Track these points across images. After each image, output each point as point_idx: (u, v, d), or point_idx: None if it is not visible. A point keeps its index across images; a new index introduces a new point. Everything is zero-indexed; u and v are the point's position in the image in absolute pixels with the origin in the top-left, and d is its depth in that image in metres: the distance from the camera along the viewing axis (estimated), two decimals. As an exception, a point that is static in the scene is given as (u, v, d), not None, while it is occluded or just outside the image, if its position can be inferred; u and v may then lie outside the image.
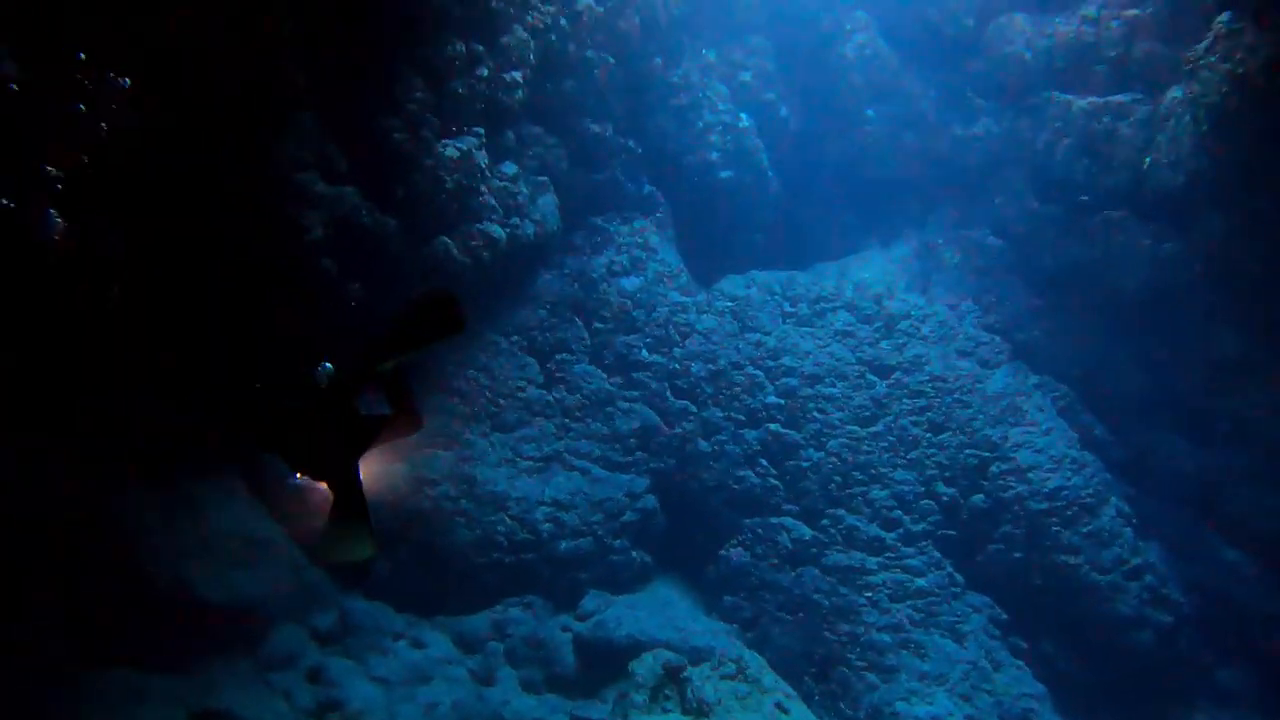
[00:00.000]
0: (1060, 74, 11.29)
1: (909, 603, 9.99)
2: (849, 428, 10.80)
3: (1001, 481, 10.37)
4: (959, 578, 10.22)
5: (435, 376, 10.42)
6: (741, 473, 10.76)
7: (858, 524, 10.38)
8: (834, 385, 11.02)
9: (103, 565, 7.85)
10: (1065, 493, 10.27)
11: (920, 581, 10.10)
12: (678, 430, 10.97)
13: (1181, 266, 10.23)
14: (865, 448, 10.69)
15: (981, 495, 10.39)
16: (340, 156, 7.96)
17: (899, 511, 10.42)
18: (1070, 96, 11.13)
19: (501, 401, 10.64)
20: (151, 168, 5.87)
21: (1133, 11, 10.61)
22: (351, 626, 9.27)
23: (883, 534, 10.32)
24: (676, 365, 11.21)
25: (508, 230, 9.68)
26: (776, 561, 10.39)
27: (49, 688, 7.25)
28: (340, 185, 8.03)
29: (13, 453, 6.93)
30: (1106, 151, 10.68)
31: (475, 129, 9.16)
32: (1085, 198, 10.94)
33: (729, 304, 11.67)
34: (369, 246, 8.34)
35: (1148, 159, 10.12)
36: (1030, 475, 10.35)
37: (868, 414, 10.88)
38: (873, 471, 10.59)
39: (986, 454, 10.51)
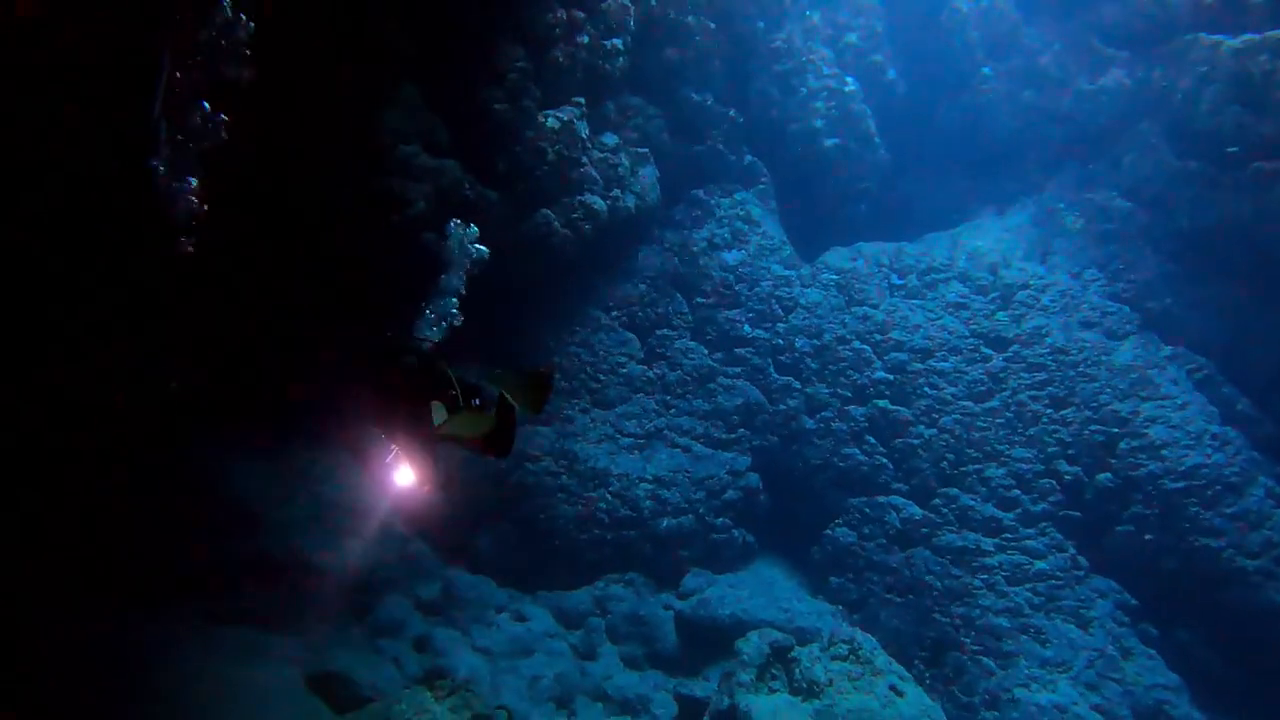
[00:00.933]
0: (1208, 11, 10.36)
1: (1028, 586, 9.47)
2: (962, 403, 10.29)
3: (1131, 459, 9.68)
4: (1083, 561, 9.62)
5: (536, 352, 10.41)
6: (848, 450, 10.42)
7: (972, 504, 9.90)
8: (946, 359, 10.52)
9: (227, 530, 8.14)
10: (1205, 471, 9.50)
11: (1040, 564, 9.57)
12: (781, 407, 10.72)
13: (1349, 222, 9.27)
14: (980, 424, 10.17)
15: (1109, 474, 9.73)
16: (442, 128, 7.96)
17: (1017, 491, 9.88)
18: (1220, 37, 10.17)
19: (602, 378, 10.57)
20: (254, 137, 5.91)
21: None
22: (455, 598, 9.37)
23: (1000, 514, 9.80)
24: (780, 340, 10.94)
25: (609, 202, 9.57)
26: (885, 542, 10.03)
27: (178, 639, 7.57)
28: (442, 158, 8.03)
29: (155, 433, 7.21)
30: (1262, 95, 9.71)
31: (576, 99, 9.05)
32: (1234, 149, 9.99)
33: (834, 277, 11.29)
34: (471, 220, 8.32)
35: (1314, 101, 9.15)
36: (1164, 452, 9.62)
37: (983, 389, 10.34)
38: (988, 449, 10.07)
39: (1114, 430, 9.83)
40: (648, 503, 10.03)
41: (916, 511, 10.04)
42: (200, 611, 8.06)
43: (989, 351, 10.52)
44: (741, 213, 11.48)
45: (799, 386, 10.75)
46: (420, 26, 7.20)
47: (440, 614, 9.28)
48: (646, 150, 10.52)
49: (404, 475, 5.07)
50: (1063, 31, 11.89)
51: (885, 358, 10.66)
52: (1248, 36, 9.94)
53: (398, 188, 7.63)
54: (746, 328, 10.98)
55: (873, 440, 10.42)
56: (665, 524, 10.01)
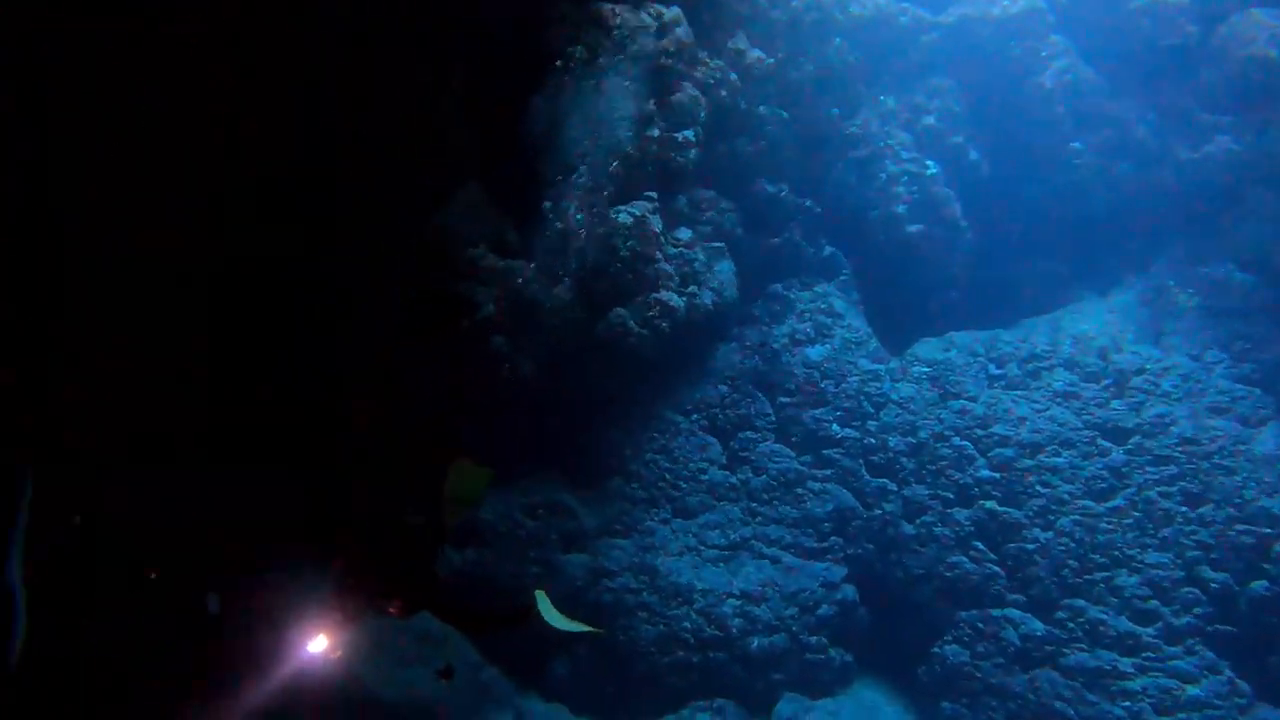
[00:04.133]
0: (1318, 71, 9.71)
1: (1181, 716, 8.27)
2: (1082, 503, 9.31)
3: (1291, 565, 8.54)
4: (1244, 685, 8.38)
5: (612, 460, 9.87)
6: (954, 558, 9.49)
7: (1103, 617, 8.81)
8: (1059, 454, 9.60)
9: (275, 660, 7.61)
10: (1385, 574, 8.30)
11: (1193, 689, 8.37)
12: (877, 512, 9.91)
13: None
14: (1105, 525, 9.15)
15: (1265, 582, 8.58)
16: (510, 227, 7.69)
17: (1155, 601, 8.76)
18: (1340, 91, 9.50)
19: (683, 485, 9.94)
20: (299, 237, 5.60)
21: None
22: (529, 729, 8.65)
23: (1137, 629, 8.68)
24: (872, 440, 10.20)
25: (685, 299, 9.14)
26: (1003, 661, 8.99)
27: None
28: (511, 258, 7.73)
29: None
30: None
31: (647, 193, 8.74)
32: (1368, 214, 9.18)
33: (926, 369, 10.57)
34: (542, 322, 7.97)
35: None
36: (1330, 555, 8.47)
37: (1104, 486, 9.36)
38: (1116, 554, 9.02)
39: (1266, 530, 8.71)
40: (736, 620, 9.22)
41: (1038, 626, 8.98)
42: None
43: (1107, 444, 9.56)
44: (824, 306, 10.93)
45: (895, 489, 9.94)
46: (485, 120, 6.99)
47: (513, 747, 8.58)
48: (722, 245, 10.13)
49: (319, 642, 4.92)
50: (1156, 102, 11.29)
51: (989, 454, 9.79)
52: (1365, 94, 9.24)
53: (465, 291, 7.32)
54: (835, 427, 10.27)
55: (981, 546, 9.47)
56: (756, 644, 9.16)
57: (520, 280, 7.66)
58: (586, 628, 5.17)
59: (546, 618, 4.98)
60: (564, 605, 9.15)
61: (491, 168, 7.33)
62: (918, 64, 12.06)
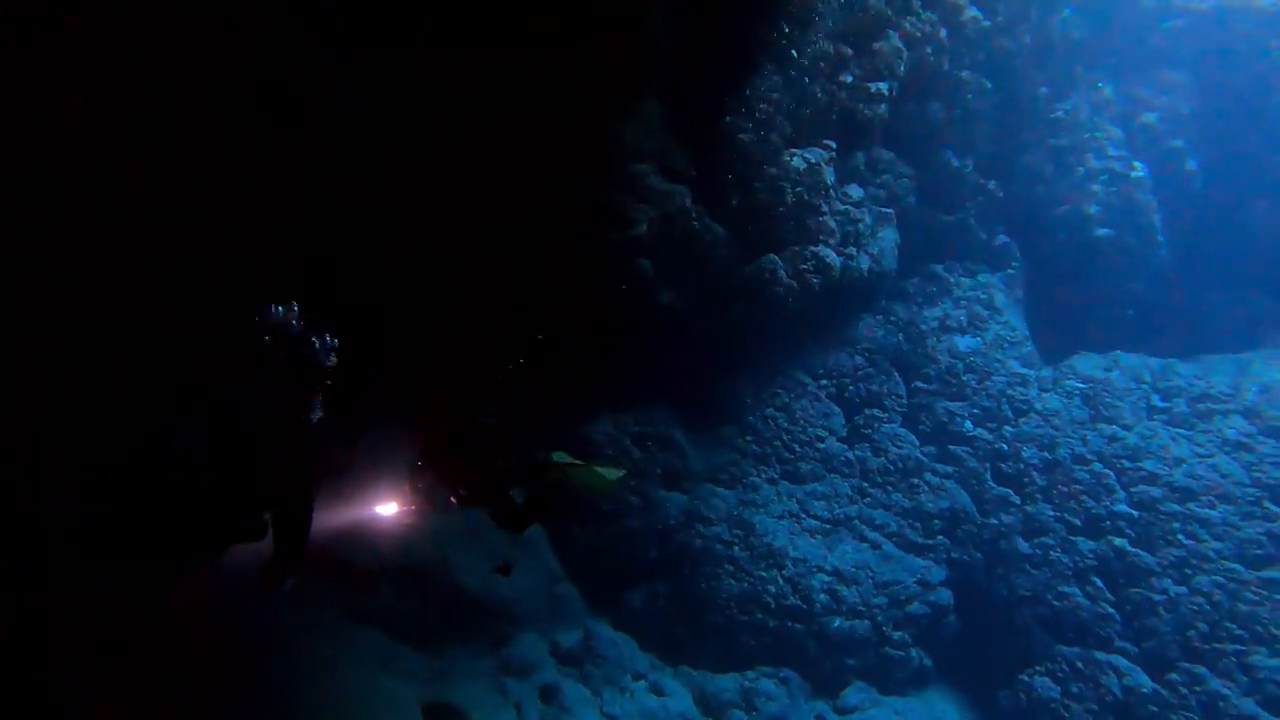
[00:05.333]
0: None
1: (1287, 827, 7.52)
2: (1229, 565, 8.47)
3: None
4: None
5: (731, 408, 9.59)
6: (1066, 588, 8.89)
7: (1225, 693, 8.04)
8: (1214, 507, 8.74)
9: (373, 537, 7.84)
10: None
11: (1311, 801, 7.58)
12: (993, 521, 9.36)
13: None
14: (1251, 596, 8.30)
15: None
16: (680, 151, 7.37)
17: (1293, 693, 7.92)
18: None
19: (797, 448, 9.61)
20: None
21: None
22: (593, 652, 8.72)
23: (1265, 716, 7.87)
24: (1004, 446, 9.59)
25: (842, 259, 8.66)
26: (1096, 709, 8.41)
27: (314, 629, 7.33)
28: (675, 182, 7.43)
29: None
30: None
31: (826, 141, 8.24)
32: None
33: (1081, 385, 9.80)
34: (692, 252, 7.67)
35: None
36: None
37: (1260, 553, 8.46)
38: (1259, 629, 8.18)
39: None
40: (821, 596, 8.93)
41: (1145, 682, 8.31)
42: (343, 604, 7.82)
43: (1276, 509, 8.62)
44: (983, 296, 10.25)
45: (1018, 502, 9.34)
46: (682, 33, 6.62)
47: (575, 666, 8.64)
48: (891, 211, 9.56)
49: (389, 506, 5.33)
50: None
51: (1132, 490, 9.03)
52: None
53: (621, 205, 7.09)
54: (968, 424, 9.70)
55: (1100, 583, 8.82)
56: (836, 624, 8.87)
57: (680, 206, 7.36)
58: (607, 469, 5.13)
59: (566, 470, 5.15)
60: (651, 540, 9.20)
61: (676, 88, 7.00)
62: (1152, 52, 10.91)
